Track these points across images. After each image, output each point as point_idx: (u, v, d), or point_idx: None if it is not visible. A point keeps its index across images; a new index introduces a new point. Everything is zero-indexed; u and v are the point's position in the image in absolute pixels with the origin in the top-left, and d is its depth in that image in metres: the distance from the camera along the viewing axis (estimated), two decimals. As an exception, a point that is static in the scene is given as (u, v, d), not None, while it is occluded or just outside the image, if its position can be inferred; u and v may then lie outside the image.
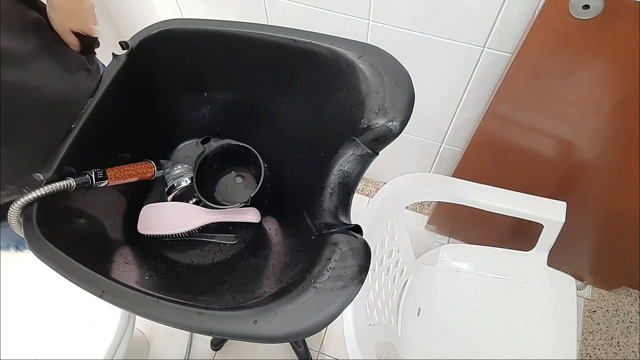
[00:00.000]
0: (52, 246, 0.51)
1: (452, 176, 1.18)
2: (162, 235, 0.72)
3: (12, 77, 0.54)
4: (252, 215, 0.73)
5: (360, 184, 1.41)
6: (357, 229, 0.54)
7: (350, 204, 0.59)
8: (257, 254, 0.71)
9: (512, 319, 1.03)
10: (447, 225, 1.49)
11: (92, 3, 0.62)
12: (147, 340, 1.41)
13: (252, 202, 0.75)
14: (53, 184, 0.54)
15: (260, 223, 0.74)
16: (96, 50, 0.69)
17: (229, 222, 0.74)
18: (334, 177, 0.60)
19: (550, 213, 0.93)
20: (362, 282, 0.47)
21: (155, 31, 0.68)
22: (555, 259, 1.05)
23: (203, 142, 0.76)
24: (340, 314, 0.46)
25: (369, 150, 0.59)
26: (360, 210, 0.84)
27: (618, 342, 1.37)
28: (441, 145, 1.31)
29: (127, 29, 1.39)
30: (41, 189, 0.53)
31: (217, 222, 0.74)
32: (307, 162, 0.71)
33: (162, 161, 0.75)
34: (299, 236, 0.67)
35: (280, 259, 0.67)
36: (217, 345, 1.38)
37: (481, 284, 1.08)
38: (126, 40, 0.67)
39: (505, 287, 1.06)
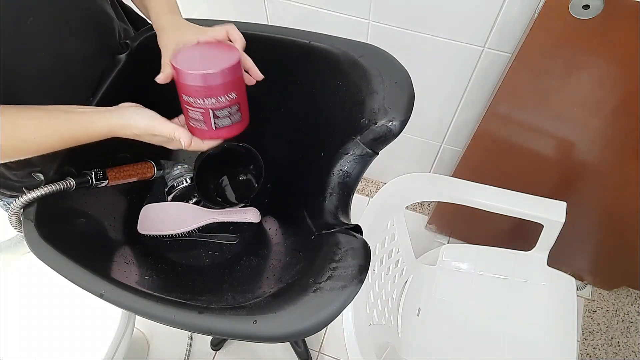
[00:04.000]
0: (51, 247, 0.51)
1: (452, 176, 1.18)
2: (162, 236, 0.72)
3: None
4: (252, 215, 0.73)
5: (360, 184, 1.41)
6: (357, 229, 0.54)
7: (350, 204, 0.59)
8: (257, 254, 0.71)
9: (512, 319, 1.03)
10: (447, 225, 1.49)
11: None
12: (147, 340, 1.41)
13: (252, 202, 0.75)
14: (53, 184, 0.54)
15: (260, 223, 0.74)
16: None
17: (229, 222, 0.74)
18: (334, 177, 0.60)
19: (550, 213, 0.94)
20: (362, 282, 0.47)
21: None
22: (555, 259, 1.05)
23: (203, 142, 0.76)
24: (340, 314, 0.46)
25: (368, 150, 0.59)
26: (360, 210, 0.84)
27: (618, 342, 1.37)
28: (441, 145, 1.31)
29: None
30: (41, 189, 0.53)
31: (217, 222, 0.74)
32: (307, 162, 0.71)
33: (162, 161, 0.75)
34: (299, 236, 0.66)
35: (280, 258, 0.67)
36: (217, 345, 1.38)
37: (481, 284, 1.07)
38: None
39: (505, 287, 1.06)
